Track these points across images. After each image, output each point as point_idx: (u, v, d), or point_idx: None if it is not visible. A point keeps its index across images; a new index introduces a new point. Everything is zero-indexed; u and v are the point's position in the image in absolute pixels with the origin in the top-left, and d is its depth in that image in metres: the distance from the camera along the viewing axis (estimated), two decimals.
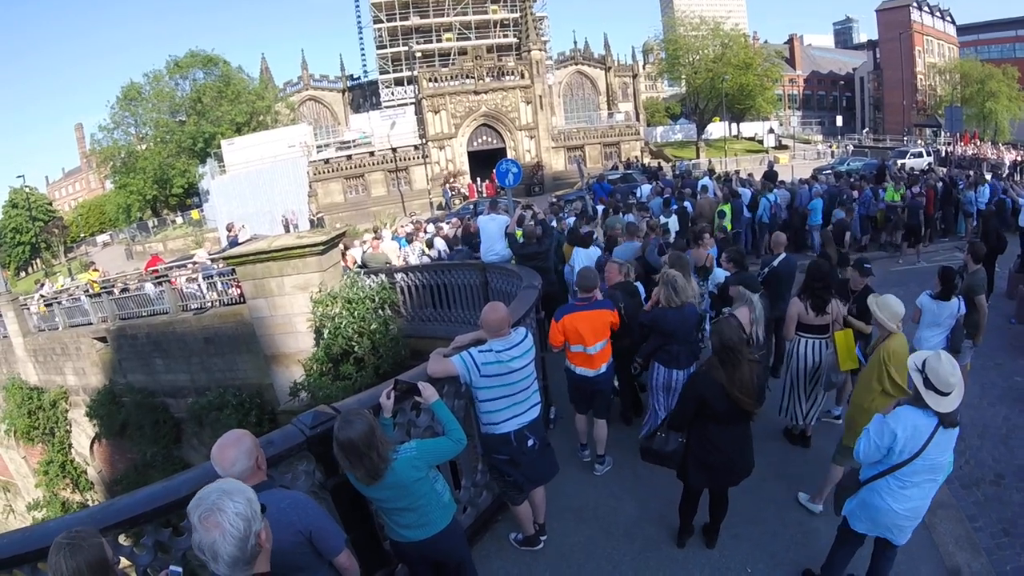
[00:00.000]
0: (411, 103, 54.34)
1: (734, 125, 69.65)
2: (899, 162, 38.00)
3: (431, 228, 21.89)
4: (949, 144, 50.99)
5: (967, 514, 6.32)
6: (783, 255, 8.99)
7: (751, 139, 69.33)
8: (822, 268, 7.15)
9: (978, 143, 54.04)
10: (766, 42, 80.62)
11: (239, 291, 15.18)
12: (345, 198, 52.61)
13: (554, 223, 16.07)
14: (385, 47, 55.46)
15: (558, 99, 64.40)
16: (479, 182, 49.17)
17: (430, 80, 51.47)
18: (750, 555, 5.62)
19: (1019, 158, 43.37)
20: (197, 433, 17.62)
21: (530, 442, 5.22)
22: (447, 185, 48.62)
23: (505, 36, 57.80)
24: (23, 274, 71.35)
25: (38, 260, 72.60)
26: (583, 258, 10.51)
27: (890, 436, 4.19)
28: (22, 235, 70.54)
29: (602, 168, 48.17)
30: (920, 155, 42.85)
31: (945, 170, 31.92)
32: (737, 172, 30.17)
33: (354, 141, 55.38)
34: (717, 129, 66.60)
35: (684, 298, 6.62)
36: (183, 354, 17.79)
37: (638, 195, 22.46)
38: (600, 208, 18.77)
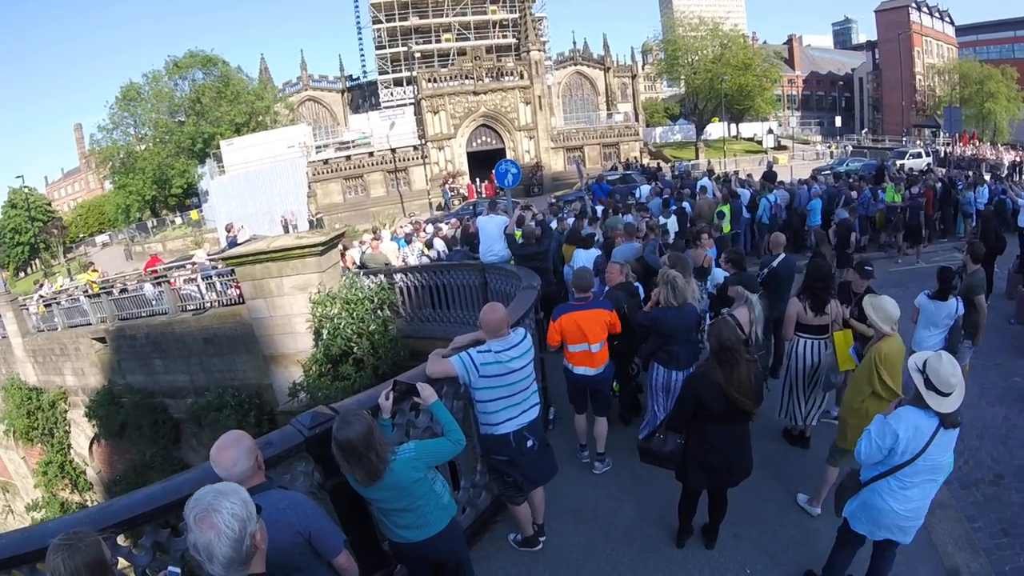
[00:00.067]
0: (410, 103, 54.30)
1: (733, 126, 69.60)
2: (898, 163, 38.08)
3: (430, 229, 21.91)
4: (948, 145, 50.96)
5: (966, 514, 6.32)
6: (782, 255, 8.99)
7: (750, 140, 69.33)
8: (822, 268, 7.15)
9: (977, 144, 54.17)
10: (765, 43, 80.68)
11: (238, 292, 15.18)
12: (344, 199, 52.60)
13: (554, 224, 16.07)
14: (384, 47, 55.41)
15: (557, 100, 64.39)
16: (478, 183, 49.25)
17: (429, 81, 51.46)
18: (749, 555, 5.62)
19: (1018, 158, 43.47)
20: (196, 434, 17.61)
21: (529, 443, 5.22)
22: (446, 186, 48.63)
23: (504, 37, 57.79)
24: (22, 274, 71.22)
25: (37, 260, 72.53)
26: (583, 259, 10.52)
27: (892, 437, 4.19)
28: (21, 235, 70.41)
29: (601, 169, 48.16)
30: (919, 156, 42.92)
31: (944, 171, 31.92)
32: (736, 173, 30.13)
33: (353, 142, 55.36)
34: (716, 130, 66.61)
35: (684, 298, 6.62)
36: (182, 355, 17.78)
37: (637, 196, 22.46)
38: (599, 209, 18.76)
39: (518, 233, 11.77)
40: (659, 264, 8.37)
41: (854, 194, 18.71)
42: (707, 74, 59.80)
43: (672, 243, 11.34)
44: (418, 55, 53.96)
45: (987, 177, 25.30)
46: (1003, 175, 33.37)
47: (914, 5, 74.61)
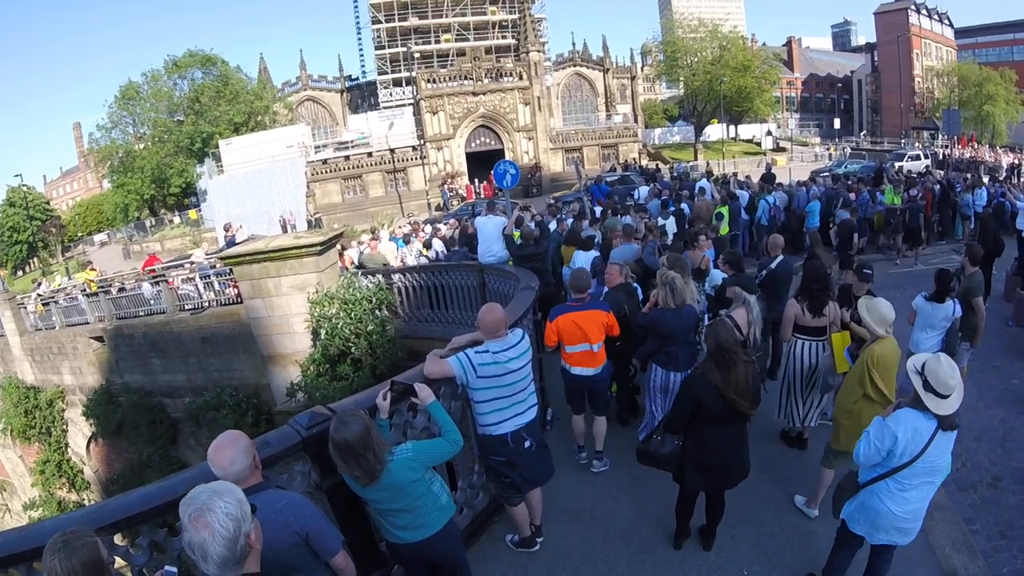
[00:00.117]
0: (409, 104, 54.25)
1: (732, 127, 69.67)
2: (896, 165, 38.10)
3: (428, 229, 21.90)
4: (946, 147, 51.03)
5: (964, 517, 6.32)
6: (780, 257, 8.99)
7: (749, 141, 69.32)
8: (820, 270, 7.16)
9: (975, 146, 54.18)
10: (764, 44, 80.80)
11: (236, 291, 15.16)
12: (343, 198, 52.57)
13: (554, 224, 16.06)
14: (384, 48, 55.36)
15: (556, 100, 64.37)
16: (477, 183, 49.22)
17: (428, 81, 51.43)
18: (747, 557, 5.62)
19: (1016, 161, 43.51)
20: (194, 433, 17.58)
21: (527, 443, 5.22)
22: (445, 186, 48.59)
23: (504, 37, 57.77)
24: (20, 273, 71.14)
25: (35, 259, 72.47)
26: (582, 261, 10.52)
27: (890, 439, 4.19)
28: (19, 234, 70.36)
29: (600, 170, 48.17)
30: (917, 158, 42.97)
31: (942, 173, 31.97)
32: (735, 174, 30.17)
33: (352, 142, 55.30)
34: (715, 131, 66.70)
35: (682, 300, 6.62)
36: (180, 354, 17.76)
37: (636, 197, 22.46)
38: (598, 210, 18.77)
39: (516, 234, 11.77)
40: (657, 265, 8.37)
41: (852, 196, 18.73)
42: (706, 75, 59.82)
43: (671, 244, 11.34)
44: (417, 55, 53.90)
45: (985, 180, 25.32)
46: (1001, 178, 33.43)
47: (913, 7, 74.74)
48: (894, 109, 72.70)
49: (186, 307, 17.57)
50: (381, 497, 3.92)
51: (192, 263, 18.60)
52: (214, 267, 17.11)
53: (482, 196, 42.42)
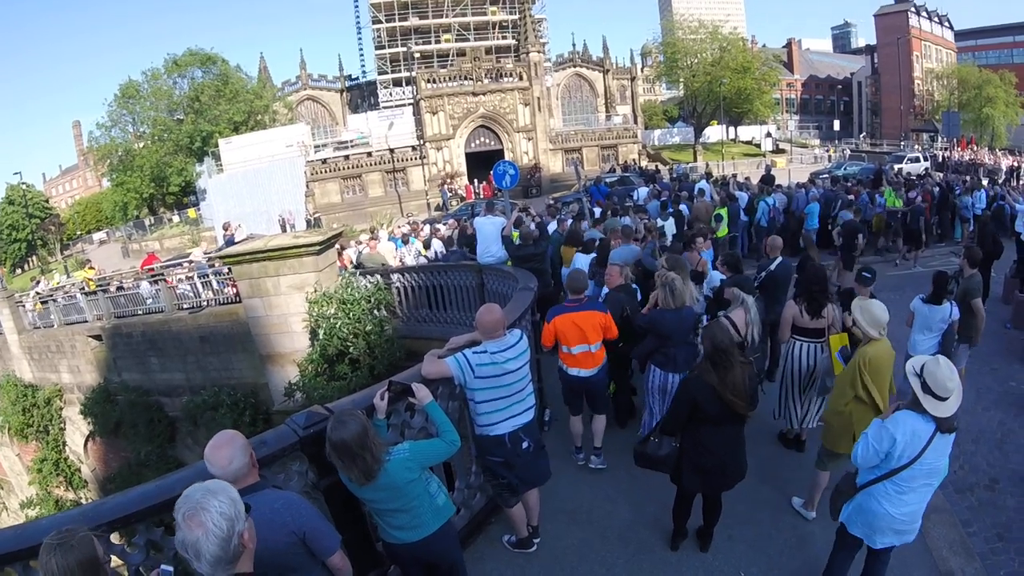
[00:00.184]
0: (409, 104, 54.20)
1: (731, 129, 69.71)
2: (896, 167, 38.06)
3: (427, 229, 21.89)
4: (946, 149, 51.08)
5: (961, 519, 6.32)
6: (780, 259, 8.98)
7: (748, 143, 69.31)
8: (819, 272, 7.17)
9: (975, 148, 54.19)
10: (764, 46, 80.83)
11: (235, 290, 15.16)
12: (342, 198, 52.52)
13: (554, 225, 16.06)
14: (384, 48, 55.31)
15: (556, 101, 64.35)
16: (476, 183, 49.19)
17: (428, 81, 51.40)
18: (744, 558, 5.62)
19: (1015, 164, 43.51)
20: (192, 432, 17.59)
21: (524, 444, 5.21)
22: (444, 186, 48.54)
23: (504, 38, 57.75)
24: (19, 271, 71.11)
25: (34, 257, 72.45)
26: (583, 263, 10.51)
27: (889, 441, 4.19)
28: (18, 232, 70.32)
29: (599, 171, 48.15)
30: (917, 160, 42.93)
31: (942, 175, 31.98)
32: (734, 176, 30.18)
33: (352, 141, 55.25)
34: (715, 132, 66.76)
35: (682, 301, 6.62)
36: (178, 353, 17.78)
37: (635, 198, 22.47)
38: (597, 211, 18.77)
39: (515, 234, 11.77)
40: (656, 267, 8.37)
41: (851, 198, 18.73)
42: (706, 77, 59.87)
43: (670, 246, 11.33)
44: (417, 55, 53.85)
45: (985, 182, 25.32)
46: (1001, 180, 33.44)
47: (913, 9, 74.78)
48: (894, 111, 72.73)
49: (184, 306, 17.58)
50: (378, 497, 3.92)
51: (191, 262, 18.60)
52: (213, 266, 17.10)
53: (481, 196, 42.36)
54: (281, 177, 42.18)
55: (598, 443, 7.22)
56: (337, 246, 14.63)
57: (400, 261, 16.31)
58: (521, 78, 52.36)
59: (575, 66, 68.23)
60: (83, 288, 20.35)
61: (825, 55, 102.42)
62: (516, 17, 56.87)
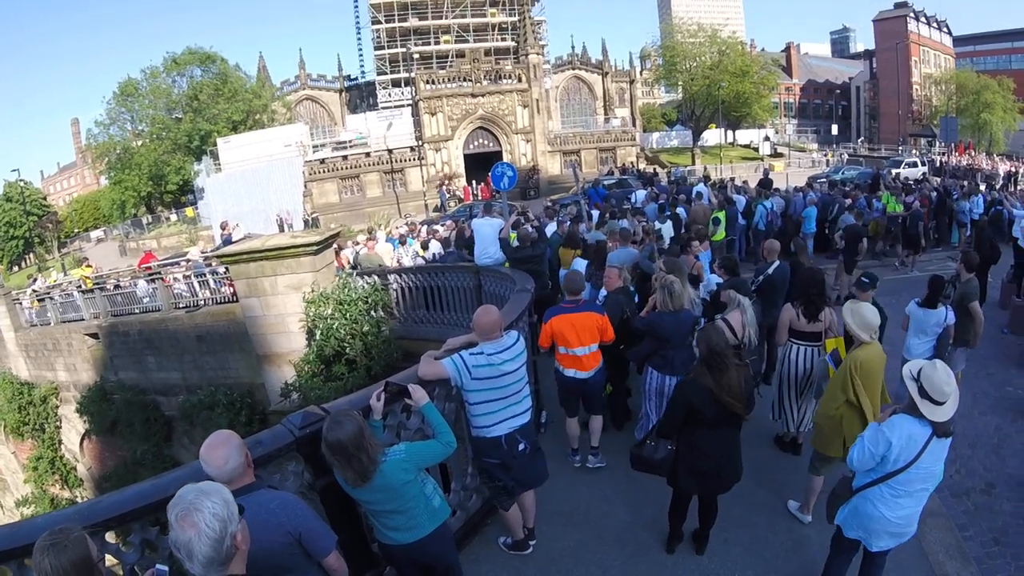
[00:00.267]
0: (408, 105, 54.25)
1: (730, 132, 69.82)
2: (894, 171, 38.13)
3: (424, 230, 21.90)
4: (944, 154, 51.18)
5: (957, 523, 6.32)
6: (777, 263, 8.99)
7: (746, 147, 69.33)
8: (817, 276, 7.17)
9: (973, 154, 54.29)
10: (763, 50, 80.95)
11: (232, 290, 15.15)
12: (340, 198, 52.55)
13: (554, 227, 16.04)
14: (383, 48, 55.28)
15: (555, 103, 64.36)
16: (474, 185, 49.23)
17: (427, 82, 51.43)
18: (740, 561, 5.61)
19: (1013, 169, 43.59)
20: (188, 432, 17.57)
21: (521, 446, 5.21)
22: (443, 187, 48.55)
23: (503, 39, 57.71)
24: (16, 268, 71.02)
25: (31, 255, 72.42)
26: (583, 266, 10.51)
27: (884, 444, 4.19)
28: (16, 229, 70.19)
29: (597, 173, 48.18)
30: (915, 165, 42.98)
31: (939, 180, 32.03)
32: (732, 179, 30.21)
33: (350, 142, 55.27)
34: (713, 136, 66.79)
35: (680, 303, 6.63)
36: (175, 352, 17.75)
37: (633, 200, 22.49)
38: (596, 213, 18.78)
39: (513, 235, 11.76)
40: (653, 270, 8.38)
41: (848, 202, 18.76)
42: (705, 80, 59.96)
43: (667, 249, 11.34)
44: (417, 56, 53.91)
45: (982, 187, 25.38)
46: (998, 185, 33.51)
47: (912, 15, 74.82)
48: (892, 116, 72.72)
49: (181, 305, 17.56)
50: (374, 498, 3.91)
51: (188, 261, 18.58)
52: (210, 265, 17.09)
53: (479, 198, 42.41)
54: (279, 177, 42.15)
55: (595, 443, 7.24)
56: (335, 246, 14.62)
57: (397, 262, 16.30)
58: (520, 80, 52.43)
59: (574, 68, 68.22)
60: (80, 286, 20.29)
61: (824, 59, 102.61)
62: (515, 19, 56.90)
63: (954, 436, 4.35)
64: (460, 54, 55.79)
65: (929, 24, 77.87)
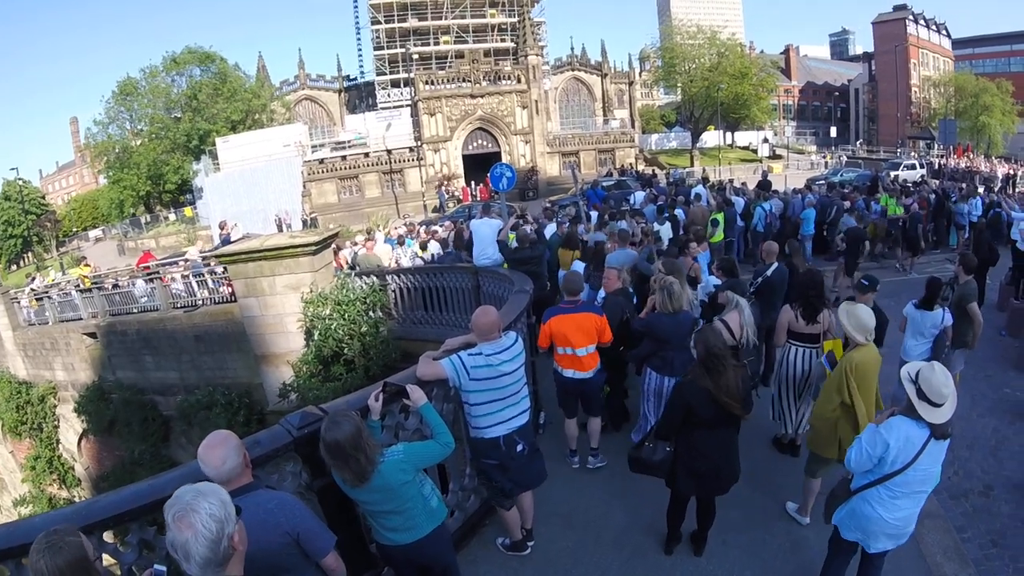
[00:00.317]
0: (407, 105, 54.25)
1: (728, 134, 69.93)
2: (892, 174, 38.17)
3: (422, 231, 21.90)
4: (942, 157, 51.25)
5: (955, 525, 6.33)
6: (776, 264, 8.99)
7: (745, 148, 69.44)
8: (816, 277, 7.18)
9: (971, 156, 54.35)
10: (762, 52, 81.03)
11: (230, 289, 15.13)
12: (339, 199, 52.53)
13: (554, 228, 16.04)
14: (382, 48, 55.29)
15: (554, 104, 64.34)
16: (473, 185, 49.23)
17: (426, 83, 51.43)
18: (738, 563, 5.61)
19: (1011, 172, 43.64)
20: (185, 431, 17.55)
21: (519, 447, 5.21)
22: (442, 188, 48.55)
23: (503, 40, 57.73)
24: (14, 267, 70.95)
25: (30, 254, 72.20)
26: (583, 268, 10.51)
27: (882, 446, 4.19)
28: (14, 228, 70.05)
29: (596, 174, 48.18)
30: (913, 167, 43.03)
31: (938, 182, 32.07)
32: (731, 181, 30.23)
33: (349, 142, 55.22)
34: (712, 138, 66.89)
35: (679, 305, 6.63)
36: (173, 352, 17.73)
37: (631, 202, 22.50)
38: (594, 214, 18.78)
39: (512, 236, 11.76)
40: (651, 271, 8.38)
41: (846, 204, 18.77)
42: (704, 82, 60.08)
43: (665, 250, 11.34)
44: (416, 57, 53.92)
45: (980, 190, 25.41)
46: (996, 188, 33.55)
47: (911, 17, 74.94)
48: (891, 118, 72.86)
49: (179, 305, 17.53)
50: (372, 498, 3.91)
51: (186, 261, 18.56)
52: (208, 265, 17.07)
53: (478, 199, 42.42)
54: (278, 177, 42.23)
55: (595, 444, 7.25)
56: (333, 246, 14.61)
57: (396, 262, 16.29)
58: (519, 81, 52.45)
59: (573, 70, 68.18)
60: (78, 285, 20.26)
61: (823, 62, 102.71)
62: (515, 20, 56.94)
63: (952, 438, 4.35)
64: (459, 55, 55.76)
65: (928, 27, 78.01)
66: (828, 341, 6.76)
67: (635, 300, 8.55)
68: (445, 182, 50.22)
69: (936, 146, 59.05)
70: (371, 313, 12.36)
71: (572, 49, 70.23)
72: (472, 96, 51.95)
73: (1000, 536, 6.18)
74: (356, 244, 18.06)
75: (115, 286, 19.42)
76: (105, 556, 3.59)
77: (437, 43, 56.93)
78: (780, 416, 7.36)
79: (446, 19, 56.73)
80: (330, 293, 12.39)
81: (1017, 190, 35.79)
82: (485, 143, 54.21)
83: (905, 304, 8.06)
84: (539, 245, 11.53)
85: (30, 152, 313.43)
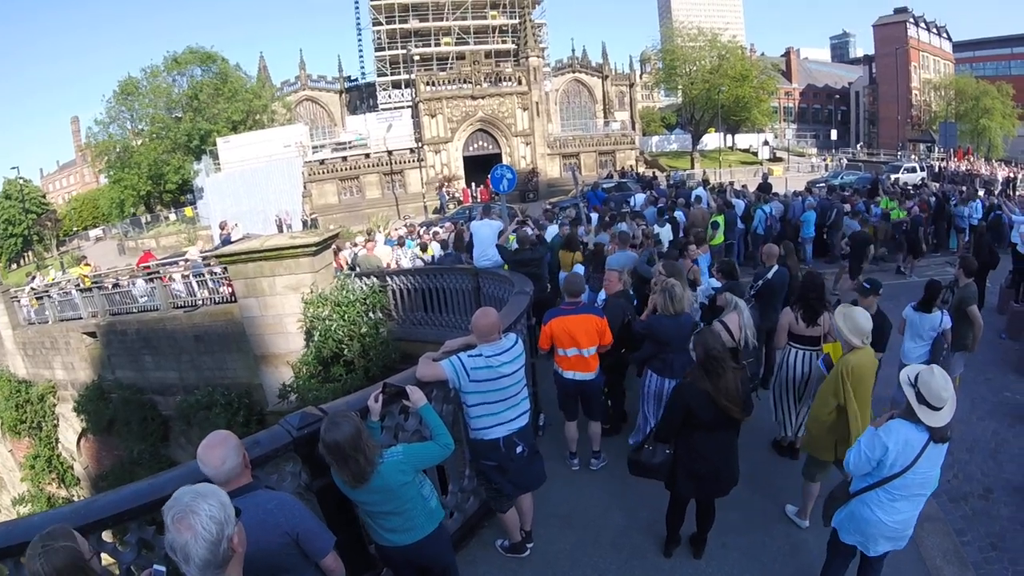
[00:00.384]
0: (408, 106, 54.25)
1: (729, 136, 69.88)
2: (892, 177, 38.17)
3: (423, 232, 21.91)
4: (943, 160, 51.25)
5: (955, 528, 6.33)
6: (776, 267, 8.99)
7: (746, 151, 69.42)
8: (817, 280, 7.18)
9: (971, 159, 54.35)
10: (763, 55, 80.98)
11: (230, 290, 15.13)
12: (339, 199, 52.49)
13: (555, 229, 16.04)
14: (384, 49, 55.29)
15: (555, 106, 64.34)
16: (474, 187, 49.22)
17: (427, 84, 51.40)
18: (737, 565, 5.61)
19: (1012, 175, 43.65)
20: (185, 432, 17.54)
21: (519, 449, 5.21)
22: (442, 189, 48.54)
23: (504, 42, 57.73)
24: (14, 266, 70.88)
25: (30, 253, 72.21)
26: (584, 270, 10.52)
27: (881, 449, 4.19)
28: (15, 227, 70.03)
29: (597, 176, 48.19)
30: (913, 170, 43.03)
31: (938, 185, 32.09)
32: (731, 183, 30.25)
33: (350, 143, 55.16)
34: (712, 140, 66.80)
35: (680, 307, 6.62)
36: (173, 351, 17.72)
37: (632, 204, 22.50)
38: (595, 216, 18.79)
39: (511, 238, 11.76)
40: (651, 273, 8.38)
41: (847, 207, 18.78)
42: (704, 84, 60.08)
43: (665, 252, 11.35)
44: (417, 58, 53.94)
45: (981, 193, 25.41)
46: (997, 191, 33.56)
47: (912, 20, 74.95)
48: (891, 121, 72.87)
49: (179, 305, 17.52)
50: (371, 499, 3.91)
51: (187, 260, 18.56)
52: (208, 265, 17.07)
53: (479, 200, 42.41)
54: (278, 177, 42.17)
55: (596, 447, 7.26)
56: (333, 247, 14.61)
57: (396, 263, 16.29)
58: (520, 82, 52.44)
59: (574, 71, 68.16)
60: (78, 285, 20.27)
61: (823, 64, 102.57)
62: (516, 22, 56.90)
63: (952, 441, 4.35)
64: (460, 56, 55.69)
65: (929, 30, 78.04)
66: (828, 344, 6.75)
67: (635, 302, 8.55)
68: (446, 183, 50.20)
69: (936, 149, 59.08)
70: (371, 314, 12.36)
71: (573, 51, 70.31)
72: (473, 97, 51.92)
73: (1000, 539, 6.18)
74: (356, 245, 18.06)
75: (115, 285, 19.41)
76: (104, 555, 3.59)
77: (438, 44, 56.95)
78: (779, 419, 7.36)
79: (447, 20, 56.73)
80: (330, 294, 12.39)
81: (1017, 193, 35.77)
82: (486, 144, 54.18)
83: (903, 307, 8.07)
84: (539, 247, 11.53)
85: (31, 151, 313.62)
